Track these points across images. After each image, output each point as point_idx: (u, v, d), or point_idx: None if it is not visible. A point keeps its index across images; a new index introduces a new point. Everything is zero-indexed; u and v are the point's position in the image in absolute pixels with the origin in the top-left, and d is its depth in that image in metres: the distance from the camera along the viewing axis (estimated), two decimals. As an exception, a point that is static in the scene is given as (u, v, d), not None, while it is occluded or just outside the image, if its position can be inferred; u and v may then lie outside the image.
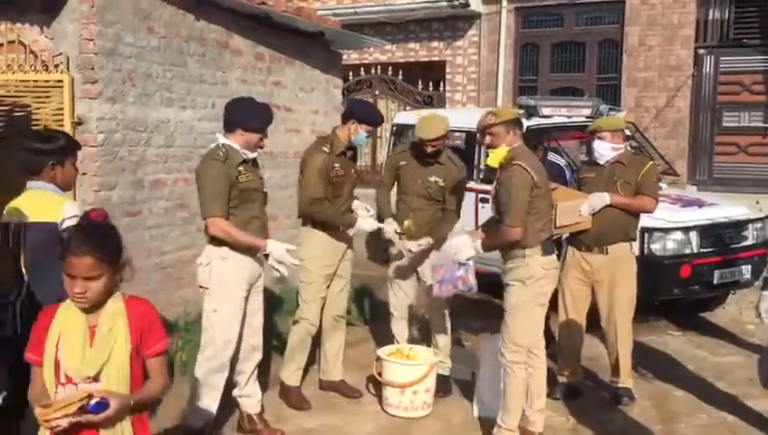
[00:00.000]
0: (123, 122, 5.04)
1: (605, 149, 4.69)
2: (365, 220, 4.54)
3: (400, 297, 4.92)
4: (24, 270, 3.06)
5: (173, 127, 5.49)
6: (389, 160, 4.98)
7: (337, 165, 4.51)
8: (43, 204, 3.07)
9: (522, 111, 7.19)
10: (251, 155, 3.94)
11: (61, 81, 4.79)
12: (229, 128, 3.90)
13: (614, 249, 4.64)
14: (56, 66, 4.85)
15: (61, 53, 4.85)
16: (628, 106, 10.36)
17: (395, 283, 4.92)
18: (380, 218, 4.81)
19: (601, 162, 4.73)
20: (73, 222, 2.90)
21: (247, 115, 3.89)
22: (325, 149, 4.51)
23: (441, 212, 4.79)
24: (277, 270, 3.88)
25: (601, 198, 4.60)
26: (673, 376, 5.26)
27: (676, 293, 6.13)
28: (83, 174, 4.83)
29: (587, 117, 7.45)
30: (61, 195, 3.16)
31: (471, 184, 7.23)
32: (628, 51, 10.61)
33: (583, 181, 4.83)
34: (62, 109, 4.79)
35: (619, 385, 4.76)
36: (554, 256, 4.01)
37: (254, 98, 4.16)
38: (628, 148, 5.03)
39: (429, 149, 4.65)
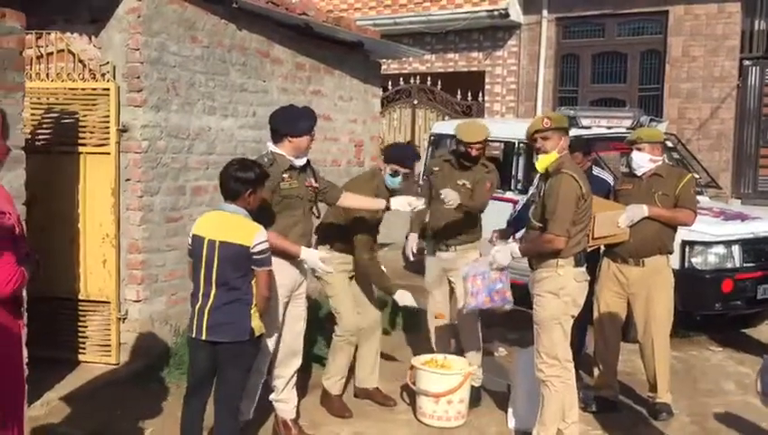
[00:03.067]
0: (167, 130, 5.15)
1: (643, 161, 4.64)
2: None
3: (432, 303, 4.98)
4: (213, 281, 3.40)
5: (214, 134, 5.59)
6: (425, 170, 5.02)
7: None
8: (238, 227, 3.43)
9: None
10: (298, 162, 4.00)
11: (107, 89, 4.92)
12: (276, 138, 3.99)
13: (651, 262, 4.59)
14: (103, 75, 4.98)
15: (108, 62, 4.98)
16: (671, 117, 10.23)
17: (434, 297, 4.99)
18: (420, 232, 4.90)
19: (639, 174, 4.68)
20: (264, 247, 3.40)
21: (292, 122, 3.98)
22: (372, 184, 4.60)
23: (468, 216, 4.80)
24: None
25: (640, 210, 4.55)
26: (713, 392, 5.16)
27: (718, 308, 6.02)
28: (127, 180, 4.96)
29: (627, 128, 7.37)
30: (253, 221, 3.50)
31: (509, 194, 7.22)
32: (671, 61, 10.48)
33: (620, 193, 4.78)
34: (108, 116, 4.91)
35: (657, 400, 4.69)
36: (584, 268, 3.96)
37: (294, 105, 4.24)
38: (667, 160, 4.96)
39: (474, 153, 4.70)
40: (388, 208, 4.30)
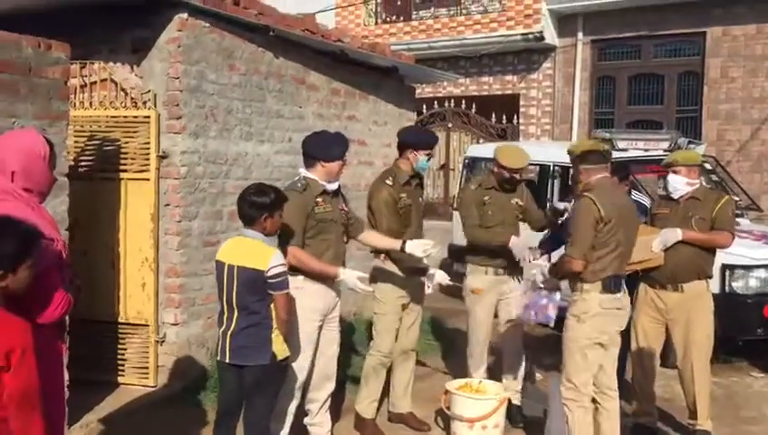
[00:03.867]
0: (205, 156, 5.26)
1: (680, 184, 4.58)
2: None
3: (482, 336, 4.89)
4: (234, 305, 3.50)
5: (251, 160, 5.69)
6: (472, 198, 4.84)
7: (403, 195, 4.59)
8: (254, 252, 3.48)
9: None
10: (330, 186, 4.06)
11: (148, 116, 5.05)
12: (309, 163, 4.06)
13: (689, 287, 4.51)
14: (144, 103, 5.12)
15: (149, 91, 5.11)
16: (710, 139, 10.10)
17: (476, 318, 4.90)
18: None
19: (676, 197, 4.62)
20: (278, 271, 3.44)
21: (324, 147, 4.04)
22: (388, 181, 4.60)
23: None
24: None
25: (674, 234, 4.49)
26: (756, 420, 5.04)
27: (760, 333, 5.89)
28: (166, 205, 5.07)
29: (665, 150, 7.30)
30: (270, 246, 3.55)
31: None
32: (709, 83, 10.38)
33: (657, 217, 4.72)
34: (148, 143, 5.04)
35: (698, 428, 4.59)
36: (619, 296, 3.84)
37: (326, 130, 4.31)
38: (704, 183, 4.89)
39: (519, 177, 4.73)
40: (403, 250, 4.25)
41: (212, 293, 5.23)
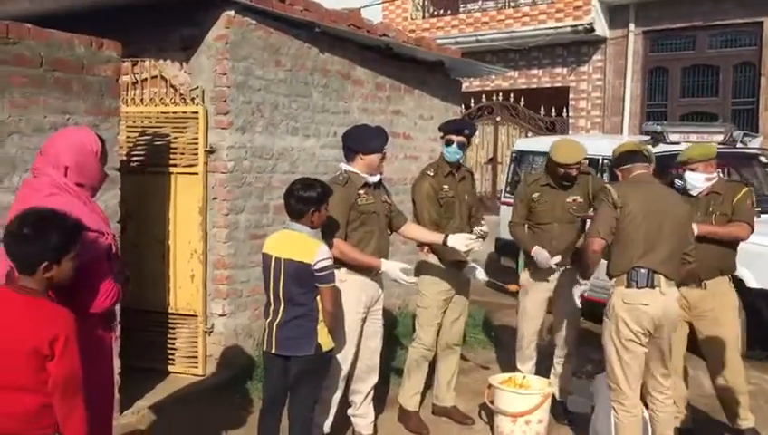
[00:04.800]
0: (251, 150, 5.35)
1: (698, 181, 4.39)
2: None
3: (532, 329, 4.86)
4: (281, 297, 3.56)
5: (297, 154, 5.76)
6: (521, 195, 4.83)
7: (445, 186, 4.59)
8: (301, 245, 3.55)
9: (648, 138, 6.99)
10: (372, 179, 4.09)
11: (196, 112, 5.16)
12: (349, 156, 4.10)
13: (713, 284, 4.32)
14: (193, 99, 5.23)
15: (197, 87, 5.22)
16: (767, 132, 9.78)
17: (526, 311, 4.86)
18: (526, 252, 4.80)
19: (694, 194, 4.41)
20: (325, 264, 3.50)
21: (363, 140, 4.08)
22: (429, 172, 4.64)
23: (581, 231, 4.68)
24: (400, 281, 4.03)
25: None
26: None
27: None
28: (214, 199, 5.17)
29: (719, 143, 7.12)
30: (316, 239, 3.62)
31: (590, 212, 7.09)
32: (766, 74, 10.05)
33: None
34: (196, 138, 5.15)
35: (742, 426, 4.46)
36: (647, 291, 3.68)
37: (367, 124, 4.34)
38: (721, 175, 4.71)
39: (574, 173, 4.62)
40: (445, 244, 4.24)
41: (258, 284, 5.31)
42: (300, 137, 5.81)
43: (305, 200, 3.57)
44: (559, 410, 4.75)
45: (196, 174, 5.15)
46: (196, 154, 5.16)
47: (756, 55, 10.21)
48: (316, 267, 3.49)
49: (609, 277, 3.83)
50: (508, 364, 5.06)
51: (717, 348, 4.38)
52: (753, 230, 4.42)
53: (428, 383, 4.87)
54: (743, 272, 5.75)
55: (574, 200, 4.69)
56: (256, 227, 5.39)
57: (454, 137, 4.60)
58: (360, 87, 6.52)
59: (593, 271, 4.00)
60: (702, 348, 4.47)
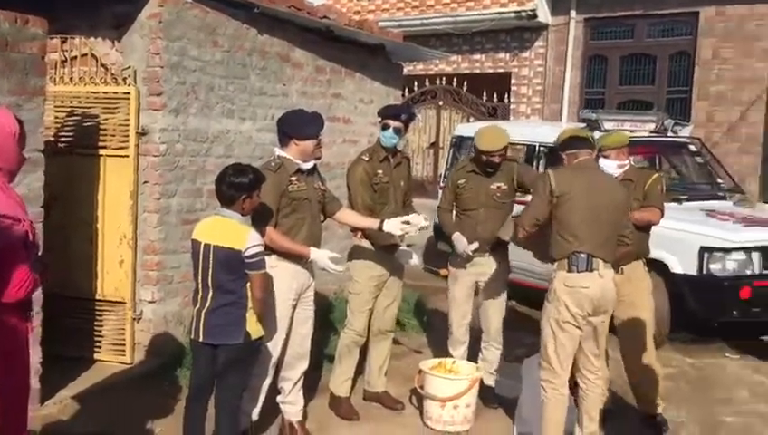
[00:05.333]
0: (185, 133, 5.26)
1: (611, 168, 4.51)
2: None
3: (461, 315, 4.93)
4: (209, 284, 3.53)
5: (233, 137, 5.69)
6: (448, 181, 4.92)
7: (380, 172, 4.61)
8: (231, 231, 3.52)
9: (584, 126, 7.13)
10: (305, 165, 4.07)
11: (128, 93, 5.04)
12: (284, 141, 4.07)
13: (629, 269, 4.44)
14: (124, 79, 5.10)
15: (129, 67, 5.10)
16: (699, 120, 10.08)
17: (455, 298, 4.94)
18: (448, 237, 4.88)
19: None
20: (256, 250, 3.46)
21: (298, 125, 4.05)
22: (364, 157, 4.65)
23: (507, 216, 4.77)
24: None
25: None
26: (727, 401, 5.11)
27: (736, 315, 5.94)
28: (145, 182, 5.08)
29: (651, 131, 7.32)
30: (246, 225, 3.59)
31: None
32: (700, 63, 10.33)
33: None
34: (128, 120, 5.03)
35: (655, 412, 4.63)
36: (586, 275, 3.80)
37: (303, 109, 4.31)
38: (633, 163, 4.85)
39: (497, 160, 4.68)
40: (380, 229, 4.27)
41: (190, 271, 5.21)
42: (236, 120, 5.74)
43: (237, 186, 3.54)
44: (488, 395, 4.85)
45: (127, 156, 5.04)
46: (127, 136, 5.04)
47: (691, 45, 10.48)
48: (246, 254, 3.47)
49: (550, 262, 3.93)
50: (441, 349, 5.13)
51: (632, 332, 4.52)
52: (663, 215, 4.58)
53: (360, 369, 4.91)
54: (667, 257, 5.96)
55: (498, 187, 4.76)
56: (189, 212, 5.32)
57: (391, 122, 4.61)
58: (300, 70, 6.46)
59: (536, 251, 4.11)
60: (618, 332, 4.60)
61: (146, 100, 5.08)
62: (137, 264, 5.10)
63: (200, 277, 3.58)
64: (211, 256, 3.52)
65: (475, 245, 4.68)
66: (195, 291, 3.65)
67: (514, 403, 4.64)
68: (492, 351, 4.93)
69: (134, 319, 5.10)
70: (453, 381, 4.53)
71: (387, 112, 4.72)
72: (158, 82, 5.06)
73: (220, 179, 3.60)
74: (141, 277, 5.12)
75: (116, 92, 5.09)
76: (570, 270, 3.81)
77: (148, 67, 5.08)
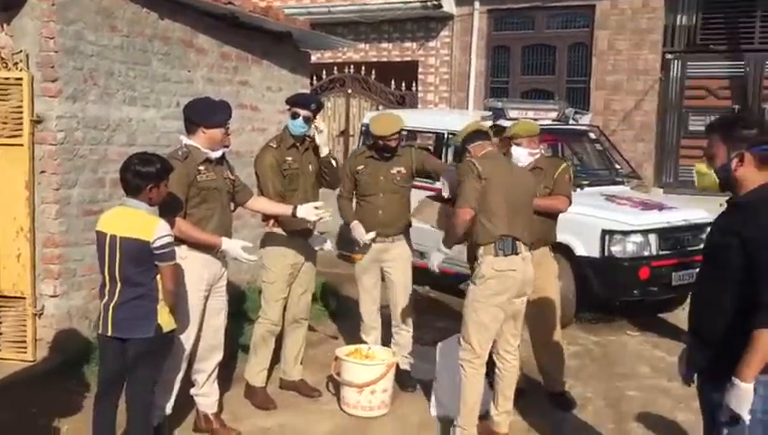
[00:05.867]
0: (84, 121, 5.02)
1: (522, 156, 4.67)
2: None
3: (370, 301, 4.96)
4: (117, 277, 3.39)
5: (135, 125, 5.48)
6: (347, 168, 4.91)
7: (289, 158, 4.57)
8: (138, 222, 3.40)
9: (489, 114, 7.30)
10: (214, 154, 3.97)
11: (20, 79, 4.76)
12: (191, 129, 3.95)
13: (538, 254, 4.56)
14: (16, 64, 4.82)
15: (21, 51, 4.81)
16: (597, 109, 10.49)
17: (363, 285, 4.96)
18: (347, 224, 4.92)
19: None
20: (165, 241, 3.35)
21: (205, 113, 3.94)
22: (272, 144, 4.62)
23: (402, 206, 4.84)
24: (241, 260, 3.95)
25: None
26: (629, 376, 5.35)
27: (636, 294, 6.24)
28: (42, 172, 4.83)
29: (553, 120, 7.56)
30: (154, 216, 3.46)
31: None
32: (597, 54, 10.73)
33: None
34: (20, 107, 4.76)
35: (563, 389, 4.81)
36: (513, 258, 3.94)
37: (210, 96, 4.20)
38: (543, 151, 5.04)
39: (393, 144, 4.74)
40: (294, 216, 4.25)
41: (94, 263, 4.99)
42: (138, 107, 5.52)
43: (143, 175, 3.42)
44: (403, 378, 4.90)
45: (21, 145, 4.76)
46: (21, 124, 4.77)
47: (588, 37, 10.87)
48: (155, 245, 3.36)
49: (476, 250, 3.98)
50: (356, 336, 5.14)
51: (540, 313, 4.68)
52: (570, 203, 4.76)
53: (276, 358, 4.85)
54: (571, 241, 6.19)
55: (398, 171, 4.82)
56: (91, 203, 5.09)
57: (300, 111, 4.57)
58: (205, 56, 6.28)
59: (456, 240, 4.13)
60: (526, 314, 4.73)
61: (40, 86, 4.81)
62: (36, 257, 4.84)
63: (107, 270, 3.44)
64: (117, 247, 3.39)
65: (372, 234, 4.74)
66: (101, 284, 3.51)
67: (430, 386, 4.72)
68: (403, 335, 4.98)
69: (35, 314, 4.84)
70: (369, 367, 4.54)
71: (296, 101, 4.67)
72: (52, 67, 4.81)
73: (125, 168, 3.47)
74: (42, 271, 4.87)
75: (7, 78, 4.81)
76: (497, 254, 3.91)
77: (41, 52, 4.82)
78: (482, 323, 3.95)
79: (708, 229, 2.94)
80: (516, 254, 3.96)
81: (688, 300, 2.97)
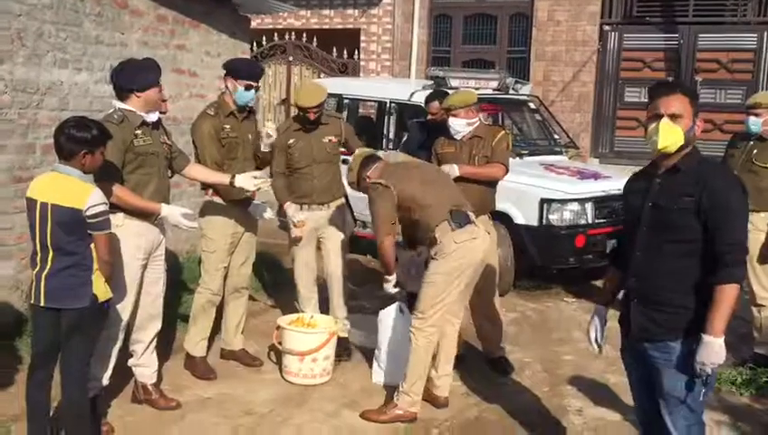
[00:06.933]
0: (12, 84, 4.80)
1: (460, 126, 4.72)
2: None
3: (307, 271, 4.95)
4: (48, 246, 3.27)
5: (67, 89, 5.27)
6: (277, 144, 4.75)
7: (227, 126, 4.48)
8: (70, 189, 3.26)
9: (431, 83, 7.30)
10: (150, 117, 3.85)
11: (-59, 38, 4.52)
12: (122, 95, 3.81)
13: (477, 222, 4.66)
14: (-64, 22, 4.57)
15: (-59, 8, 4.57)
16: (536, 80, 10.62)
17: (299, 257, 4.93)
18: (280, 204, 4.88)
19: (458, 138, 4.75)
20: (98, 210, 3.25)
21: (135, 75, 3.80)
22: (210, 112, 4.51)
23: (335, 175, 4.84)
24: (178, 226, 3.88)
25: (452, 169, 4.62)
26: (564, 341, 5.51)
27: (572, 262, 6.37)
28: (-33, 137, 4.61)
29: (494, 89, 7.62)
30: (87, 183, 3.31)
31: (381, 153, 7.31)
32: (537, 25, 10.83)
33: (444, 157, 4.80)
34: (-57, 68, 4.53)
35: (502, 355, 4.92)
36: (469, 228, 3.98)
37: (134, 58, 4.07)
38: (482, 120, 5.09)
39: (311, 117, 4.70)
40: (232, 185, 4.18)
41: (25, 232, 4.85)
42: (70, 70, 5.31)
43: (77, 140, 3.28)
44: (343, 346, 4.91)
45: (-56, 109, 4.54)
46: (-57, 86, 4.54)
47: (529, 7, 10.95)
48: (88, 214, 3.25)
49: (429, 233, 3.99)
50: (292, 306, 5.13)
51: (479, 281, 4.72)
52: (507, 171, 4.82)
53: (216, 328, 4.81)
54: (511, 209, 6.28)
55: (329, 140, 4.82)
56: (21, 169, 4.90)
57: (254, 83, 4.48)
58: (140, 18, 6.08)
59: (393, 264, 4.18)
60: None
61: (-36, 46, 4.58)
62: (-38, 227, 4.65)
63: (38, 239, 3.32)
64: (49, 215, 3.26)
65: (303, 216, 4.73)
66: (33, 253, 3.39)
67: (371, 353, 4.76)
68: (338, 303, 4.97)
69: (-39, 287, 4.66)
70: (311, 335, 4.55)
71: (249, 73, 4.52)
72: (-24, 26, 4.58)
73: (59, 131, 3.33)
74: (-32, 241, 4.68)
75: (-73, 37, 4.55)
76: (454, 229, 3.94)
77: (-36, 10, 4.58)
78: (443, 293, 3.97)
79: (631, 196, 2.95)
80: (471, 222, 4.01)
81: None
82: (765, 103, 4.79)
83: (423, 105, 5.90)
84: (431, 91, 6.17)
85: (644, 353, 2.83)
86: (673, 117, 2.69)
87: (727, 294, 2.60)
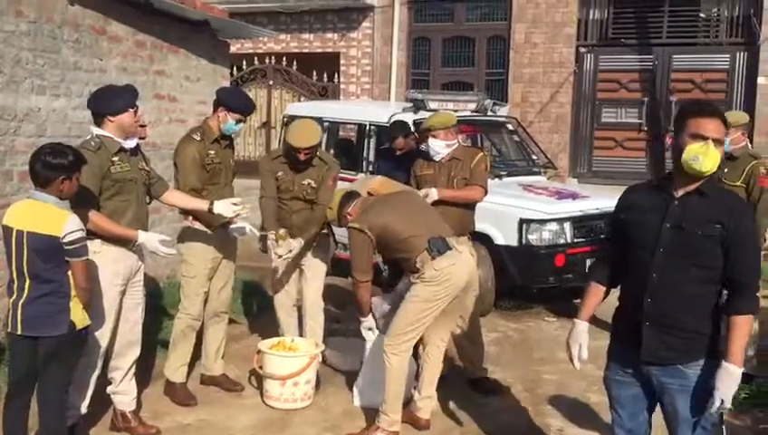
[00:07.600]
0: (-11, 110, 4.80)
1: (440, 147, 4.75)
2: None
3: (287, 298, 4.98)
4: (25, 274, 3.26)
5: (45, 115, 5.27)
6: (267, 169, 4.79)
7: (212, 152, 4.48)
8: (47, 216, 3.25)
9: (410, 106, 7.37)
10: (128, 144, 3.86)
11: None
12: (98, 120, 3.83)
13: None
14: None
15: None
16: (515, 101, 10.73)
17: (279, 283, 4.96)
18: (263, 229, 4.82)
19: (437, 159, 4.79)
20: (76, 236, 3.23)
21: (108, 101, 3.82)
22: (195, 136, 4.50)
23: (317, 211, 4.78)
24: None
25: (430, 193, 4.64)
26: (546, 360, 5.52)
27: (552, 281, 6.40)
28: (-57, 165, 4.58)
29: (472, 111, 7.69)
30: (64, 210, 3.30)
31: (360, 176, 7.35)
32: (515, 47, 10.97)
33: (422, 179, 4.83)
34: None
35: (485, 375, 4.92)
36: (449, 253, 3.97)
37: (113, 84, 4.08)
38: (461, 142, 5.13)
39: (302, 157, 4.63)
40: (211, 211, 4.18)
41: (1, 259, 4.83)
42: (48, 96, 5.31)
43: (53, 167, 3.28)
44: (325, 370, 4.89)
45: None
46: None
47: (506, 29, 11.10)
48: (65, 241, 3.24)
49: (409, 262, 4.01)
50: (275, 329, 5.11)
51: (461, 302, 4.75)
52: (486, 192, 4.86)
53: (197, 353, 4.77)
54: (490, 230, 6.31)
55: (309, 184, 4.74)
56: (-2, 197, 4.87)
57: (245, 117, 4.53)
58: (118, 44, 6.09)
59: (368, 305, 4.24)
60: None
61: (-60, 73, 4.57)
62: (-63, 255, 4.59)
63: (14, 266, 3.31)
64: (25, 243, 3.25)
65: (283, 250, 4.63)
66: (9, 281, 3.36)
67: (353, 376, 4.74)
68: (312, 326, 4.95)
69: (-64, 316, 4.59)
70: (292, 359, 4.53)
71: (244, 109, 4.52)
72: (-46, 53, 4.57)
73: (35, 158, 3.32)
74: (-57, 269, 4.62)
75: None
76: (433, 258, 3.94)
77: (-59, 37, 4.57)
78: (418, 318, 3.98)
79: (637, 212, 2.83)
80: (450, 249, 4.01)
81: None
82: (734, 123, 4.88)
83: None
84: (393, 124, 6.29)
85: (649, 375, 2.80)
86: (715, 142, 2.67)
87: (747, 323, 2.63)
